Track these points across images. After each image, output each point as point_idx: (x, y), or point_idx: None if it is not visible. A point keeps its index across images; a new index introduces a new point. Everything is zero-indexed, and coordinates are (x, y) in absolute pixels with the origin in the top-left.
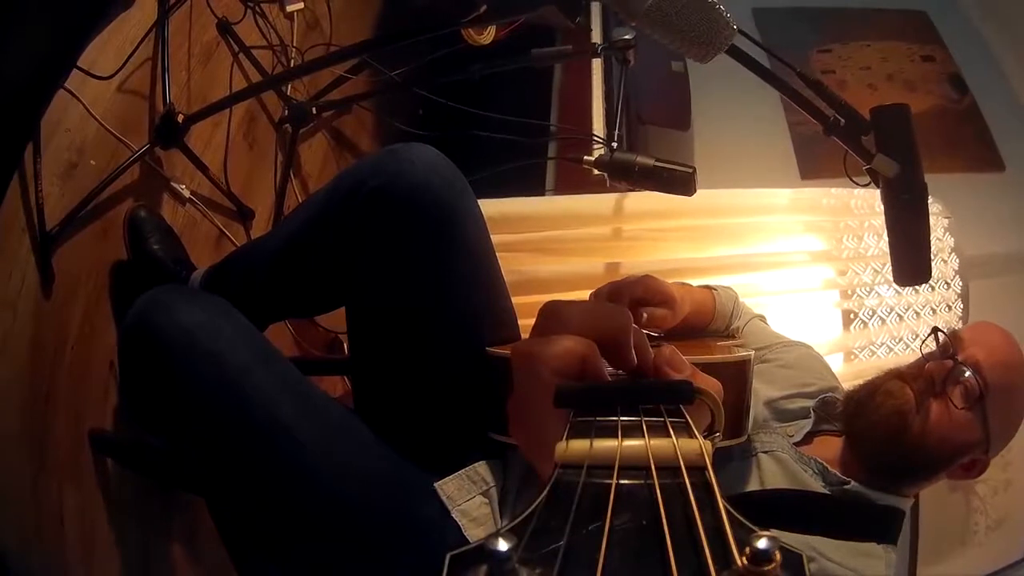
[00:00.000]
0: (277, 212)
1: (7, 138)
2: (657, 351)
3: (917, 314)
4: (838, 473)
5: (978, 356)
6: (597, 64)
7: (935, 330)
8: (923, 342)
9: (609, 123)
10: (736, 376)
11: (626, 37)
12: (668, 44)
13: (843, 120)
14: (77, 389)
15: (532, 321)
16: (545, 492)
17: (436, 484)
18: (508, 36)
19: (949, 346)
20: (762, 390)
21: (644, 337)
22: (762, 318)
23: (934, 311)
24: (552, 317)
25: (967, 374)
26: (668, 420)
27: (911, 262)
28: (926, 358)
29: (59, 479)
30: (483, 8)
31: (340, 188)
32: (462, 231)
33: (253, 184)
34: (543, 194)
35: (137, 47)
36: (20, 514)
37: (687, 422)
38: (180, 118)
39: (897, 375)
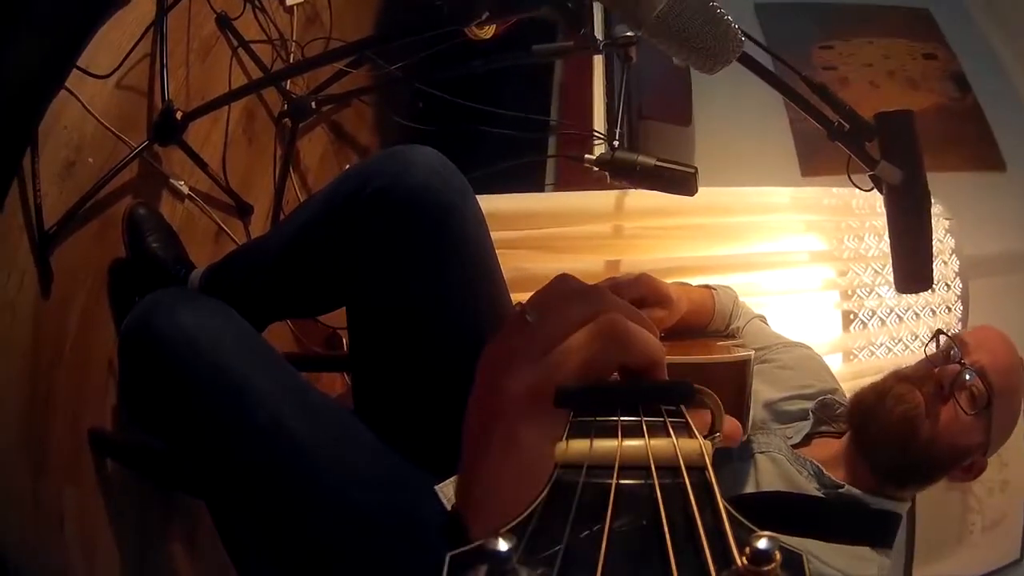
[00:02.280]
0: (276, 207)
1: (7, 140)
2: None
3: (917, 315)
4: (833, 476)
5: (983, 361)
6: (599, 60)
7: (939, 332)
8: (927, 344)
9: (611, 120)
10: (736, 376)
11: (628, 34)
12: (674, 55)
13: (847, 125)
14: (76, 389)
15: None
16: (545, 492)
17: (436, 487)
18: (508, 31)
19: (954, 350)
20: (761, 391)
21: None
22: (762, 318)
23: (934, 313)
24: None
25: (975, 379)
26: (668, 420)
27: (913, 269)
28: (930, 360)
29: (59, 480)
30: (485, 15)
31: (342, 189)
32: (461, 232)
33: (252, 179)
34: (543, 190)
35: (135, 46)
36: (20, 515)
37: (687, 422)
38: (179, 115)
39: (904, 378)
